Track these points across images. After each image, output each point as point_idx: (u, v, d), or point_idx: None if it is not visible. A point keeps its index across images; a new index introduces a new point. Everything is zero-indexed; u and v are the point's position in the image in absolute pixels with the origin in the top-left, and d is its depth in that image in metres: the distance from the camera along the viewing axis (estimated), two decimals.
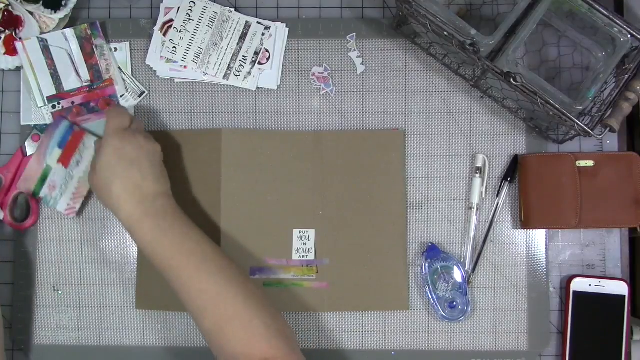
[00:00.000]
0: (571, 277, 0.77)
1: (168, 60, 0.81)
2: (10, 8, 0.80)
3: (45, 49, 0.80)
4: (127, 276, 0.79)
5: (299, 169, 0.79)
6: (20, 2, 0.79)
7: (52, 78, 0.80)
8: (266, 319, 0.65)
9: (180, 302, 0.67)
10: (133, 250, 0.80)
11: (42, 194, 0.78)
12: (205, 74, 0.81)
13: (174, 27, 0.81)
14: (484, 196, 0.79)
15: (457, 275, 0.77)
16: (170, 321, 0.79)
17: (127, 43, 0.82)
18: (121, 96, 0.81)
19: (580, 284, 0.76)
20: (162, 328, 0.79)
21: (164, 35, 0.81)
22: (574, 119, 0.69)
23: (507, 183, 0.79)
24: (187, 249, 0.68)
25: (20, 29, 0.80)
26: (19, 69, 0.81)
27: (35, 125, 0.80)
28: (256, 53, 0.81)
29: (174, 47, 0.81)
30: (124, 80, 0.81)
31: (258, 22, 0.82)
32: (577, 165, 0.77)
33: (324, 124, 0.81)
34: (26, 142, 0.80)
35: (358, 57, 0.82)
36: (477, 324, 0.78)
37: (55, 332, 0.79)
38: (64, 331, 0.79)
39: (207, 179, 0.79)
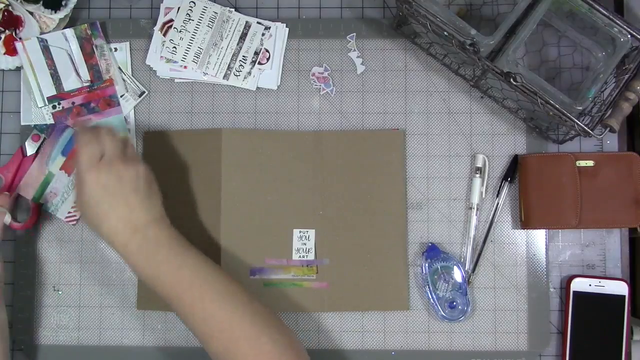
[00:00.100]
0: (571, 277, 0.77)
1: (168, 60, 0.81)
2: (10, 8, 0.80)
3: (45, 49, 0.80)
4: (127, 276, 0.79)
5: (299, 169, 0.79)
6: (20, 2, 0.79)
7: (52, 78, 0.80)
8: (274, 335, 0.65)
9: (186, 327, 0.67)
10: None
11: (42, 200, 0.79)
12: (205, 74, 0.81)
13: (174, 27, 0.81)
14: (484, 196, 0.79)
15: (457, 275, 0.77)
16: (170, 321, 0.79)
17: (127, 43, 0.82)
18: (121, 96, 0.81)
19: (580, 284, 0.76)
20: (162, 328, 0.79)
21: (164, 35, 0.81)
22: (574, 119, 0.69)
23: (507, 183, 0.79)
24: (187, 277, 0.66)
25: (20, 29, 0.80)
26: (19, 69, 0.81)
27: (35, 126, 0.80)
28: (256, 53, 0.81)
29: (174, 47, 0.81)
30: (124, 80, 0.81)
31: (258, 22, 0.82)
32: (577, 165, 0.77)
33: (324, 124, 0.81)
34: (26, 142, 0.80)
35: (358, 57, 0.82)
36: (477, 324, 0.78)
37: (55, 332, 0.79)
38: (64, 331, 0.79)
39: (207, 179, 0.79)
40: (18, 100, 0.81)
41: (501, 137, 0.80)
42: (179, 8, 0.81)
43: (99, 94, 0.81)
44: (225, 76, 0.81)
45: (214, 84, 0.82)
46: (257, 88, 0.81)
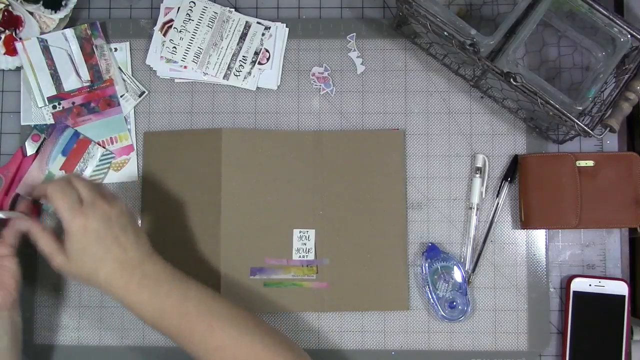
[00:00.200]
0: (571, 277, 0.77)
1: (168, 60, 0.81)
2: (10, 8, 0.80)
3: (45, 49, 0.80)
4: None
5: (299, 169, 0.79)
6: (20, 2, 0.79)
7: (52, 78, 0.80)
8: (286, 352, 0.65)
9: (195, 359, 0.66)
10: None
11: (42, 200, 0.78)
12: (205, 74, 0.81)
13: (174, 27, 0.81)
14: (484, 196, 0.79)
15: (457, 275, 0.77)
16: None
17: (127, 43, 0.82)
18: (121, 96, 0.81)
19: (580, 284, 0.76)
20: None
21: (164, 35, 0.81)
22: (574, 119, 0.69)
23: (507, 183, 0.79)
24: (194, 308, 0.65)
25: (20, 29, 0.80)
26: (19, 69, 0.81)
27: (35, 126, 0.80)
28: (256, 53, 0.81)
29: (174, 47, 0.81)
30: (124, 80, 0.81)
31: (258, 22, 0.82)
32: (577, 165, 0.77)
33: (324, 124, 0.81)
34: (26, 142, 0.80)
35: (358, 57, 0.82)
36: (477, 324, 0.78)
37: (55, 332, 0.79)
38: (64, 331, 0.79)
39: (207, 179, 0.79)
40: (18, 100, 0.81)
41: (501, 137, 0.80)
42: (179, 8, 0.81)
43: (99, 94, 0.81)
44: (225, 76, 0.81)
45: (214, 84, 0.82)
46: (257, 88, 0.81)
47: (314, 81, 0.82)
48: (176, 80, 0.82)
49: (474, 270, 0.78)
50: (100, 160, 0.80)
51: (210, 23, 0.81)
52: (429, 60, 0.81)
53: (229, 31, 0.81)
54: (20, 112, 0.81)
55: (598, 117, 0.70)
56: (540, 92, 0.69)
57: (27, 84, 0.80)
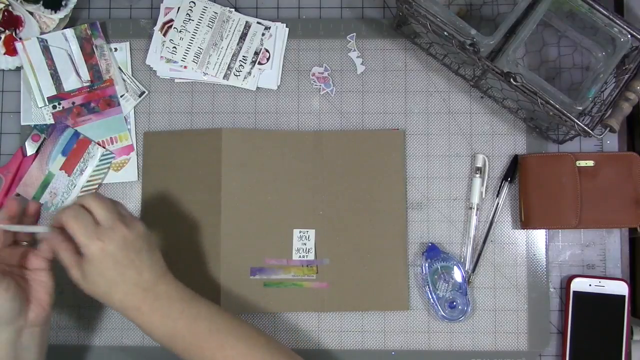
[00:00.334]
0: (571, 277, 0.77)
1: (168, 60, 0.81)
2: (10, 8, 0.80)
3: (45, 49, 0.80)
4: None
5: (299, 169, 0.79)
6: (20, 2, 0.79)
7: (52, 78, 0.80)
8: None
9: None
10: None
11: (42, 200, 0.79)
12: (205, 74, 0.81)
13: (174, 27, 0.81)
14: (484, 196, 0.79)
15: (457, 275, 0.77)
16: None
17: (127, 43, 0.82)
18: (121, 96, 0.81)
19: (580, 284, 0.76)
20: None
21: (164, 35, 0.81)
22: (574, 119, 0.69)
23: (507, 183, 0.79)
24: (205, 327, 0.65)
25: (20, 29, 0.80)
26: (19, 69, 0.81)
27: (35, 126, 0.80)
28: (256, 53, 0.81)
29: (174, 47, 0.81)
30: (124, 80, 0.81)
31: (258, 22, 0.82)
32: (577, 165, 0.77)
33: (324, 124, 0.81)
34: (26, 142, 0.80)
35: (358, 57, 0.82)
36: (477, 324, 0.78)
37: (55, 332, 0.79)
38: (64, 331, 0.79)
39: (207, 179, 0.79)
40: (18, 100, 0.81)
41: (501, 137, 0.80)
42: (179, 8, 0.81)
43: (99, 94, 0.81)
44: (225, 76, 0.81)
45: (214, 84, 0.82)
46: (257, 88, 0.81)
47: (314, 81, 0.82)
48: (176, 80, 0.82)
49: (474, 270, 0.78)
50: (100, 160, 0.80)
51: (210, 23, 0.81)
52: (429, 60, 0.81)
53: (229, 31, 0.81)
54: (20, 112, 0.81)
55: (598, 117, 0.70)
56: (540, 92, 0.69)
57: (27, 84, 0.81)
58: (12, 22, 0.80)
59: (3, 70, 0.82)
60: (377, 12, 0.83)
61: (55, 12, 0.79)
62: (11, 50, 0.80)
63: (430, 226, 0.79)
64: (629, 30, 0.70)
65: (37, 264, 0.67)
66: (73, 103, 0.80)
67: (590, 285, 0.76)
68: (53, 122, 0.80)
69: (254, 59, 0.81)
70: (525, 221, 0.77)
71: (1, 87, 0.82)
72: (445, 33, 0.70)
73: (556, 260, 0.79)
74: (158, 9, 0.82)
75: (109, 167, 0.80)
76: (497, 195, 0.79)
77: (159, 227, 0.78)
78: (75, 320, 0.79)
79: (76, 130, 0.80)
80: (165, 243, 0.77)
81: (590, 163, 0.77)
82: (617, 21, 0.70)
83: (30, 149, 0.80)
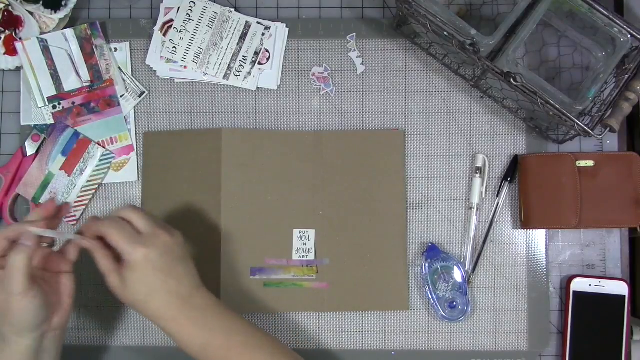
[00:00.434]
0: (571, 277, 0.77)
1: (168, 60, 0.81)
2: (10, 8, 0.80)
3: (45, 49, 0.80)
4: None
5: (299, 169, 0.79)
6: (20, 2, 0.79)
7: (52, 78, 0.80)
8: None
9: None
10: None
11: (42, 200, 0.79)
12: (205, 74, 0.81)
13: (174, 27, 0.81)
14: (484, 196, 0.79)
15: (457, 275, 0.77)
16: None
17: (127, 43, 0.82)
18: (121, 96, 0.81)
19: (580, 284, 0.76)
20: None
21: (164, 35, 0.81)
22: (574, 119, 0.69)
23: (507, 183, 0.79)
24: (240, 342, 0.66)
25: (20, 29, 0.80)
26: (19, 69, 0.81)
27: (35, 126, 0.80)
28: (256, 53, 0.81)
29: (174, 47, 0.81)
30: (124, 80, 0.81)
31: (258, 22, 0.82)
32: (577, 165, 0.77)
33: (324, 124, 0.81)
34: (26, 142, 0.80)
35: (358, 57, 0.82)
36: (477, 324, 0.78)
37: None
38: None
39: (207, 179, 0.79)
40: (18, 100, 0.81)
41: (501, 137, 0.80)
42: (179, 8, 0.81)
43: (99, 94, 0.81)
44: (225, 76, 0.81)
45: (214, 84, 0.82)
46: (257, 88, 0.81)
47: (314, 81, 0.82)
48: (176, 80, 0.82)
49: (474, 270, 0.78)
50: (100, 160, 0.80)
51: (210, 23, 0.81)
52: (429, 60, 0.81)
53: (229, 31, 0.81)
54: (20, 112, 0.81)
55: (598, 117, 0.70)
56: (540, 92, 0.69)
57: (27, 84, 0.80)
58: (12, 22, 0.80)
59: (3, 70, 0.81)
60: (377, 12, 0.83)
61: (55, 12, 0.79)
62: (11, 50, 0.80)
63: (430, 226, 0.79)
64: (629, 30, 0.70)
65: (62, 266, 0.67)
66: (73, 103, 0.80)
67: (590, 285, 0.76)
68: (53, 122, 0.80)
69: (254, 59, 0.81)
70: (525, 221, 0.77)
71: (1, 87, 0.82)
72: (445, 33, 0.70)
73: (556, 260, 0.79)
74: (158, 9, 0.82)
75: (109, 167, 0.80)
76: (497, 195, 0.79)
77: None
78: (75, 320, 0.79)
79: (76, 130, 0.80)
80: None
81: (590, 163, 0.77)
82: (617, 21, 0.70)
83: (30, 149, 0.80)
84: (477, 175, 0.79)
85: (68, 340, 0.78)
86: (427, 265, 0.77)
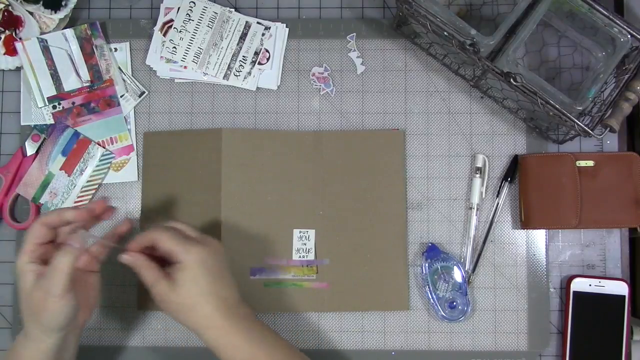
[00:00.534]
0: (571, 277, 0.77)
1: (168, 61, 0.81)
2: (10, 8, 0.80)
3: (45, 49, 0.80)
4: (127, 276, 0.79)
5: (299, 169, 0.79)
6: (20, 2, 0.79)
7: (52, 78, 0.80)
8: None
9: None
10: None
11: (42, 200, 0.79)
12: (205, 74, 0.81)
13: (174, 27, 0.81)
14: (484, 196, 0.79)
15: (457, 275, 0.77)
16: (170, 321, 0.79)
17: (127, 43, 0.82)
18: (121, 96, 0.81)
19: (580, 284, 0.76)
20: (162, 328, 0.79)
21: (164, 35, 0.81)
22: (574, 119, 0.69)
23: (507, 183, 0.79)
24: (283, 357, 0.66)
25: (20, 29, 0.80)
26: (19, 69, 0.81)
27: (35, 126, 0.80)
28: (256, 53, 0.81)
29: (174, 47, 0.81)
30: (124, 80, 0.81)
31: (258, 22, 0.82)
32: (577, 165, 0.77)
33: (324, 124, 0.81)
34: (26, 143, 0.80)
35: (358, 57, 0.82)
36: (477, 324, 0.78)
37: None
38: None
39: (207, 179, 0.79)
40: (18, 100, 0.81)
41: (501, 137, 0.80)
42: (179, 8, 0.81)
43: (99, 94, 0.81)
44: (225, 76, 0.81)
45: (214, 84, 0.82)
46: (257, 88, 0.81)
47: (314, 81, 0.82)
48: (176, 80, 0.82)
49: (474, 270, 0.78)
50: (100, 160, 0.80)
51: (210, 23, 0.81)
52: (429, 60, 0.81)
53: (229, 31, 0.81)
54: (20, 112, 0.81)
55: (598, 117, 0.70)
56: (540, 92, 0.69)
57: (27, 84, 0.80)
58: (12, 22, 0.80)
59: (3, 70, 0.81)
60: (377, 12, 0.83)
61: (55, 12, 0.79)
62: (11, 50, 0.80)
63: (430, 226, 0.79)
64: (629, 30, 0.70)
65: (91, 265, 0.67)
66: (73, 103, 0.80)
67: (590, 285, 0.76)
68: (53, 122, 0.80)
69: (254, 59, 0.81)
70: (525, 221, 0.77)
71: (1, 87, 0.82)
72: (445, 33, 0.70)
73: (556, 260, 0.79)
74: (158, 9, 0.82)
75: (109, 167, 0.80)
76: (497, 195, 0.79)
77: None
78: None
79: (76, 130, 0.80)
80: None
81: (590, 163, 0.77)
82: (617, 21, 0.70)
83: (30, 149, 0.80)
84: (477, 175, 0.79)
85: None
86: (427, 265, 0.77)
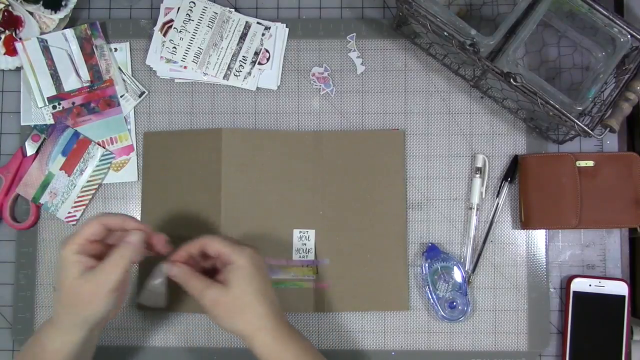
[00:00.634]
0: (571, 277, 0.77)
1: (168, 61, 0.81)
2: (10, 8, 0.80)
3: (45, 49, 0.80)
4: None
5: (299, 169, 0.79)
6: (20, 2, 0.79)
7: (52, 78, 0.80)
8: None
9: None
10: None
11: (42, 200, 0.79)
12: (205, 74, 0.81)
13: (174, 27, 0.81)
14: (484, 196, 0.79)
15: (457, 275, 0.77)
16: (170, 321, 0.79)
17: (127, 43, 0.82)
18: (121, 96, 0.81)
19: (580, 284, 0.76)
20: (163, 328, 0.79)
21: (164, 35, 0.81)
22: (574, 119, 0.69)
23: (507, 183, 0.79)
24: None
25: (20, 29, 0.80)
26: (19, 69, 0.81)
27: (35, 126, 0.80)
28: (256, 53, 0.81)
29: (174, 47, 0.81)
30: (124, 80, 0.81)
31: (258, 23, 0.82)
32: (577, 165, 0.77)
33: (324, 124, 0.81)
34: (26, 143, 0.80)
35: (358, 57, 0.82)
36: (477, 324, 0.78)
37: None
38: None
39: (207, 179, 0.79)
40: (18, 100, 0.81)
41: (501, 137, 0.80)
42: (179, 8, 0.81)
43: (99, 94, 0.81)
44: (225, 76, 0.81)
45: (214, 84, 0.82)
46: (257, 88, 0.81)
47: (314, 81, 0.82)
48: (176, 81, 0.82)
49: (474, 270, 0.78)
50: (100, 161, 0.80)
51: (210, 23, 0.81)
52: (429, 60, 0.81)
53: (229, 31, 0.81)
54: (20, 112, 0.81)
55: (598, 117, 0.70)
56: (540, 92, 0.69)
57: (27, 84, 0.80)
58: (12, 22, 0.80)
59: (3, 70, 0.81)
60: (377, 12, 0.83)
61: (55, 12, 0.79)
62: (11, 50, 0.80)
63: (430, 226, 0.79)
64: (629, 30, 0.70)
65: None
66: (73, 103, 0.80)
67: (590, 285, 0.76)
68: (53, 122, 0.80)
69: (254, 59, 0.81)
70: (525, 221, 0.77)
71: (1, 87, 0.82)
72: (445, 33, 0.70)
73: (556, 260, 0.79)
74: (158, 9, 0.82)
75: (109, 167, 0.80)
76: (497, 195, 0.79)
77: (159, 228, 0.78)
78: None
79: (76, 131, 0.80)
80: None
81: (590, 163, 0.77)
82: (617, 21, 0.70)
83: (30, 149, 0.80)
84: (477, 175, 0.79)
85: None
86: (427, 265, 0.77)
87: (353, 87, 0.81)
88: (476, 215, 0.78)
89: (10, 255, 0.80)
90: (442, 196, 0.79)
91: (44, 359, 0.62)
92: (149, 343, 0.79)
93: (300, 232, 0.78)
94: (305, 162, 0.79)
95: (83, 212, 0.80)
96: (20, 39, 0.80)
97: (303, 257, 0.78)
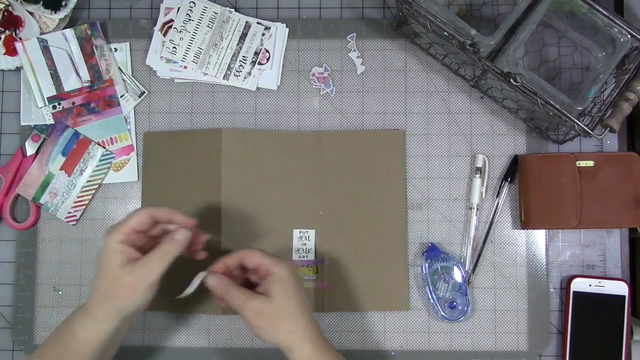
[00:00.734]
0: (571, 277, 0.77)
1: (168, 61, 0.81)
2: (10, 8, 0.80)
3: (45, 49, 0.80)
4: None
5: (299, 169, 0.79)
6: (20, 2, 0.79)
7: (52, 78, 0.80)
8: None
9: None
10: None
11: (42, 200, 0.79)
12: (205, 74, 0.81)
13: (174, 27, 0.81)
14: (484, 196, 0.79)
15: (457, 275, 0.77)
16: (171, 321, 0.79)
17: (127, 43, 0.82)
18: (121, 96, 0.81)
19: (580, 284, 0.76)
20: (163, 328, 0.79)
21: (164, 35, 0.81)
22: (574, 119, 0.69)
23: (507, 183, 0.79)
24: None
25: (20, 29, 0.80)
26: (19, 69, 0.81)
27: (35, 126, 0.80)
28: (256, 53, 0.81)
29: (174, 47, 0.81)
30: (124, 80, 0.81)
31: (258, 23, 0.82)
32: (577, 165, 0.77)
33: (324, 124, 0.81)
34: (26, 143, 0.80)
35: (358, 57, 0.82)
36: (477, 324, 0.78)
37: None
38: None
39: (207, 179, 0.79)
40: (18, 100, 0.81)
41: (501, 137, 0.80)
42: (179, 8, 0.81)
43: (99, 94, 0.81)
44: (225, 76, 0.81)
45: (214, 84, 0.82)
46: (257, 88, 0.81)
47: (314, 81, 0.82)
48: (176, 81, 0.82)
49: (474, 270, 0.78)
50: (100, 161, 0.80)
51: (210, 23, 0.81)
52: (429, 60, 0.81)
53: (229, 31, 0.81)
54: (20, 112, 0.81)
55: (598, 117, 0.70)
56: (540, 92, 0.69)
57: (27, 84, 0.80)
58: (12, 22, 0.80)
59: (3, 70, 0.81)
60: (377, 12, 0.83)
61: (55, 12, 0.79)
62: (11, 50, 0.80)
63: (430, 226, 0.79)
64: (629, 30, 0.70)
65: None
66: (73, 103, 0.80)
67: (590, 285, 0.76)
68: (53, 122, 0.80)
69: (254, 59, 0.81)
70: (525, 221, 0.77)
71: (1, 87, 0.82)
72: (445, 33, 0.70)
73: (556, 260, 0.79)
74: (158, 9, 0.82)
75: (109, 167, 0.80)
76: (497, 195, 0.79)
77: None
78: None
79: (76, 131, 0.80)
80: None
81: (590, 163, 0.77)
82: (617, 21, 0.70)
83: (30, 149, 0.80)
84: (477, 175, 0.79)
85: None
86: (427, 265, 0.77)
87: (353, 87, 0.81)
88: (476, 215, 0.78)
89: (10, 255, 0.80)
90: (442, 196, 0.79)
91: (73, 347, 0.62)
92: (149, 343, 0.79)
93: (300, 232, 0.78)
94: (305, 162, 0.79)
95: (83, 212, 0.80)
96: (20, 39, 0.80)
97: (303, 257, 0.78)
